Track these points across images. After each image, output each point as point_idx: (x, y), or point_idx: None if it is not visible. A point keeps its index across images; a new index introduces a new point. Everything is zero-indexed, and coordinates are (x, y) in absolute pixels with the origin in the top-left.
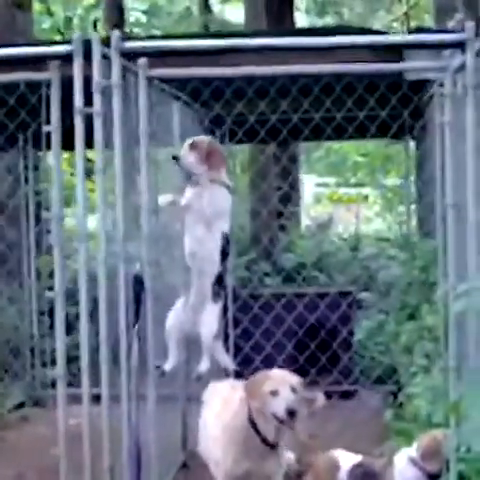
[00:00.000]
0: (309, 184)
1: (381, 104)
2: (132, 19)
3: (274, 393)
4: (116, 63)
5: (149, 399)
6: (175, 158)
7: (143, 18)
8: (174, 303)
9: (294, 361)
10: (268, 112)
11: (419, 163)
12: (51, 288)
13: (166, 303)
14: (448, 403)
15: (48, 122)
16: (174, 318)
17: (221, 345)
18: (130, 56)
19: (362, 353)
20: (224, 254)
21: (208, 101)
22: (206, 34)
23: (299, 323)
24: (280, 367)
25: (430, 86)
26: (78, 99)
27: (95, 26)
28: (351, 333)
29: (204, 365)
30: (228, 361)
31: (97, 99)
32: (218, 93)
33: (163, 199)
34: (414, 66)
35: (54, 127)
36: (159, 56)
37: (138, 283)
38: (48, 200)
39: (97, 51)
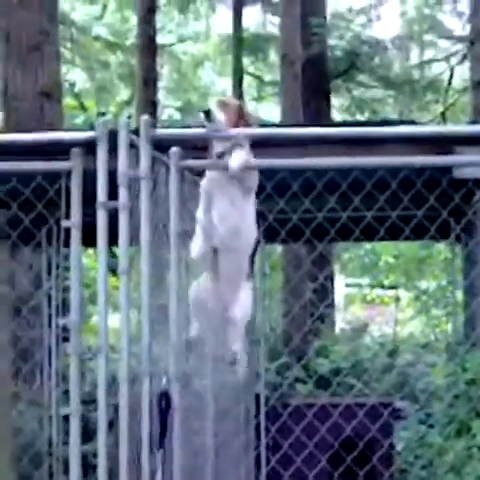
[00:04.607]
0: (339, 285)
1: (421, 203)
2: (165, 116)
3: None
4: (145, 151)
5: None
6: (207, 113)
7: (176, 115)
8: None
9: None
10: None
11: (465, 266)
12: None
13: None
14: None
15: (67, 216)
16: (198, 290)
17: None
18: (161, 146)
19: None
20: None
21: None
22: None
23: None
24: None
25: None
26: (101, 192)
27: None
28: (392, 449)
29: (237, 345)
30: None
31: (123, 191)
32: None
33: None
34: (463, 160)
35: (74, 223)
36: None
37: (164, 401)
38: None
39: (124, 137)
